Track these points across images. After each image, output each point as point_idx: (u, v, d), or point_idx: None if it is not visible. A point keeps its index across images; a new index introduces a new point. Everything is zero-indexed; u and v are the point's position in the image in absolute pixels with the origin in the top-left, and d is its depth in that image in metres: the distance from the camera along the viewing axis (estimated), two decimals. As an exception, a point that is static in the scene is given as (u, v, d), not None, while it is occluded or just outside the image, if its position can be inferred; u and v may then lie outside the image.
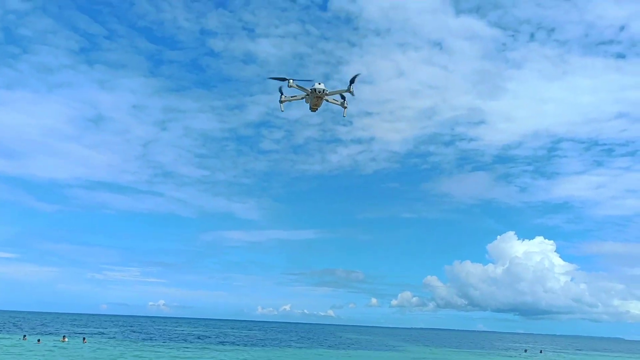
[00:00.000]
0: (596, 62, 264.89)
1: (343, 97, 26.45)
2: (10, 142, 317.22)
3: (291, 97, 26.24)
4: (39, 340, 59.30)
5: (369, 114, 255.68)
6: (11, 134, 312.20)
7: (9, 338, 63.10)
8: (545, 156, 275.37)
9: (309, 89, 25.44)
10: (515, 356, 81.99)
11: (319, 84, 25.44)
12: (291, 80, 25.26)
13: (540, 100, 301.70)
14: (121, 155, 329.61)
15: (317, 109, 26.44)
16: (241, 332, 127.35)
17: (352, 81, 25.54)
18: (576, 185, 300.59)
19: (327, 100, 26.07)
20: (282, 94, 26.22)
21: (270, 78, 26.11)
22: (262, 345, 77.34)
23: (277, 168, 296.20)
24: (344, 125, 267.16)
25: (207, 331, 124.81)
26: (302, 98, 26.16)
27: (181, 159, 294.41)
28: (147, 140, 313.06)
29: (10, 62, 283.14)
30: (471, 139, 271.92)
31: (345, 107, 26.79)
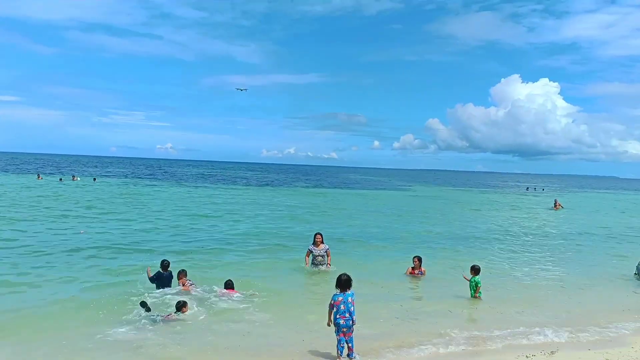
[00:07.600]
0: None
1: None
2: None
3: None
4: (60, 179, 60.49)
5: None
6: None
7: (24, 177, 64.33)
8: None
9: None
10: (519, 194, 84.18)
11: None
12: None
13: None
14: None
15: None
16: (246, 173, 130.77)
17: None
18: (586, 25, 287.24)
19: None
20: None
21: None
22: (268, 184, 79.34)
23: (277, 9, 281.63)
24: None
25: (214, 172, 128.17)
26: None
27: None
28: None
29: None
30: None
31: None
